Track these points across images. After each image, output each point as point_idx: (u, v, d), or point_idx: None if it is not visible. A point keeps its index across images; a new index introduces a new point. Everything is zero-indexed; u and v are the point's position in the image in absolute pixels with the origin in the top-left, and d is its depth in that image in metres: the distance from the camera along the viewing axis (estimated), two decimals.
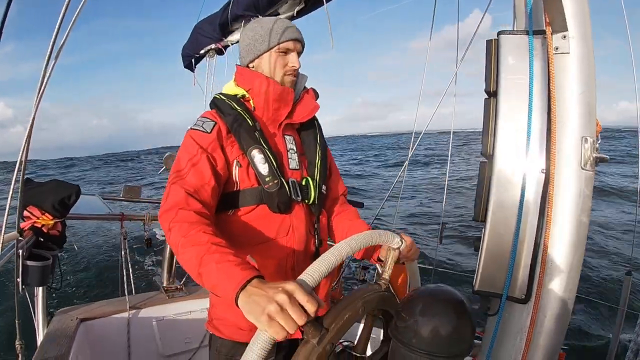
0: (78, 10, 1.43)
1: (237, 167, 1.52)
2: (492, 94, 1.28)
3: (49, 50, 1.51)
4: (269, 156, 1.52)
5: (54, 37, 1.48)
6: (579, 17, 1.21)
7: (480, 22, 2.21)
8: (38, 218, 2.39)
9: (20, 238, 2.10)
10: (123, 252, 2.92)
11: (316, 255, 1.62)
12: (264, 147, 1.53)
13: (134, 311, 2.74)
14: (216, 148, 1.50)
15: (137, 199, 3.40)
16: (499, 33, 1.30)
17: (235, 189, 1.54)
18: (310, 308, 0.96)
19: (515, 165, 1.22)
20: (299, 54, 1.67)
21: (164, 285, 3.07)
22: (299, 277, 1.04)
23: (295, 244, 1.58)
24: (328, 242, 1.73)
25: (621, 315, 2.99)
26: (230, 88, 1.69)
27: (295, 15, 2.61)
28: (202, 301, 2.96)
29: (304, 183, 1.63)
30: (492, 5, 2.23)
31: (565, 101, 1.20)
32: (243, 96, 1.65)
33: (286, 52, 1.63)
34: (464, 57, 2.54)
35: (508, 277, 1.19)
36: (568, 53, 1.21)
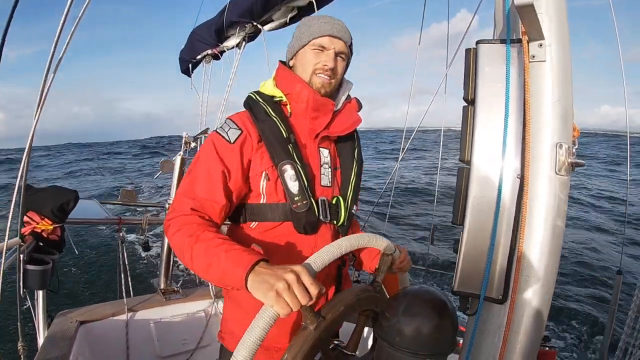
0: (76, 21, 1.48)
1: (265, 180, 1.45)
2: (470, 101, 1.32)
3: (47, 63, 1.57)
4: (300, 173, 1.44)
5: (52, 49, 1.53)
6: (557, 25, 1.25)
7: (468, 28, 2.26)
8: (38, 223, 2.43)
9: (21, 243, 2.15)
10: (121, 256, 2.97)
11: (338, 277, 1.63)
12: (296, 162, 1.44)
13: (131, 313, 2.78)
14: (236, 161, 1.43)
15: (133, 203, 3.45)
16: (477, 42, 1.34)
17: (260, 201, 1.47)
18: (314, 290, 1.04)
19: (492, 171, 1.26)
20: (341, 54, 1.54)
21: (162, 287, 3.11)
22: (304, 262, 1.13)
23: (323, 279, 1.52)
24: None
25: (612, 314, 3.04)
26: (268, 88, 1.57)
27: (288, 22, 2.66)
28: (199, 303, 3.03)
29: (334, 202, 1.54)
30: (480, 6, 2.28)
31: (541, 108, 1.23)
32: (280, 99, 1.54)
33: (322, 49, 1.50)
34: (454, 59, 2.59)
35: (485, 278, 1.23)
36: (544, 61, 1.24)
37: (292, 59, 1.58)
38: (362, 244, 1.33)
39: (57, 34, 1.56)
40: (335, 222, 1.54)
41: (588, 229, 12.10)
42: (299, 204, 1.43)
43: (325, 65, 1.49)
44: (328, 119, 1.53)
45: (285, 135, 1.45)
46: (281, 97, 1.53)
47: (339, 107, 1.58)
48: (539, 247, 1.22)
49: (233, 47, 3.05)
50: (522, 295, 1.23)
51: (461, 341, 1.43)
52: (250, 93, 1.59)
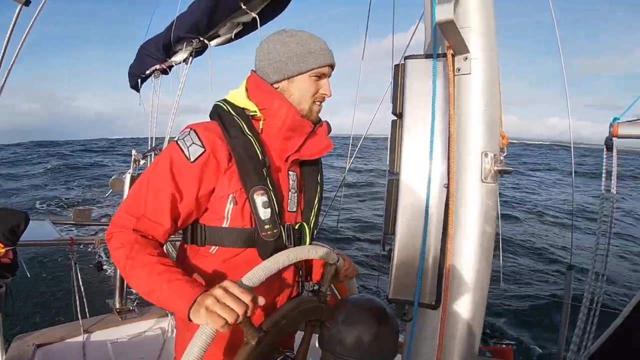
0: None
1: (231, 203, 1.36)
2: (398, 115, 1.36)
3: None
4: (273, 200, 1.36)
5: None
6: (484, 38, 1.29)
7: (411, 38, 2.31)
8: None
9: None
10: (74, 276, 2.92)
11: (299, 285, 1.60)
12: (269, 188, 1.36)
13: (88, 334, 2.75)
14: (191, 184, 1.32)
15: (87, 222, 3.38)
16: (405, 58, 1.38)
17: (223, 224, 1.38)
18: (246, 298, 1.07)
19: (420, 182, 1.30)
20: None
21: (117, 307, 3.07)
22: (238, 280, 1.14)
23: (279, 292, 1.50)
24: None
25: (566, 309, 3.16)
26: (240, 99, 1.45)
27: (233, 37, 2.68)
28: (155, 321, 3.01)
29: (297, 227, 1.50)
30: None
31: (467, 119, 1.28)
32: (253, 114, 1.44)
33: (320, 77, 1.46)
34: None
35: (418, 285, 1.27)
36: (469, 74, 1.28)
37: (282, 80, 1.45)
38: (301, 257, 1.34)
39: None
40: None
41: (537, 228, 13.22)
42: (268, 232, 1.36)
43: (325, 94, 1.48)
44: (301, 140, 1.45)
45: (260, 158, 1.36)
46: (255, 111, 1.43)
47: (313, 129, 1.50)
48: (468, 252, 1.26)
49: (181, 62, 3.05)
50: (453, 300, 1.28)
51: None
52: (219, 102, 1.46)
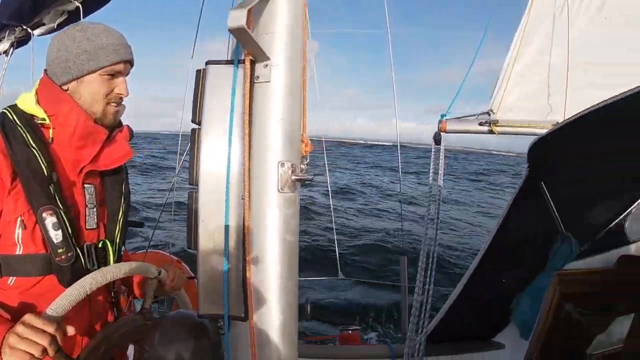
0: None
1: (20, 228, 1.23)
2: (198, 123, 1.31)
3: None
4: (63, 220, 1.25)
5: None
6: (287, 45, 1.27)
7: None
8: None
9: None
10: None
11: (115, 307, 1.52)
12: (59, 207, 1.24)
13: None
14: None
15: None
16: (207, 63, 1.33)
17: (16, 252, 1.25)
18: (49, 328, 1.01)
19: (219, 193, 1.26)
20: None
21: None
22: (43, 312, 1.07)
23: (90, 319, 1.40)
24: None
25: (404, 291, 3.45)
26: (29, 105, 1.31)
27: (56, 27, 2.46)
28: None
29: (100, 245, 1.40)
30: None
31: (265, 128, 1.26)
32: (43, 122, 1.30)
33: (113, 75, 1.35)
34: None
35: (225, 298, 1.24)
36: (269, 81, 1.26)
37: (71, 81, 1.33)
38: (109, 277, 1.25)
39: None
40: None
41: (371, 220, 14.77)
42: (62, 256, 1.25)
43: (120, 94, 1.38)
44: (96, 149, 1.35)
45: (46, 173, 1.24)
46: (44, 118, 1.30)
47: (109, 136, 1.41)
48: (270, 262, 1.26)
49: (4, 53, 2.76)
50: (259, 310, 1.27)
51: None
52: (6, 109, 1.31)
